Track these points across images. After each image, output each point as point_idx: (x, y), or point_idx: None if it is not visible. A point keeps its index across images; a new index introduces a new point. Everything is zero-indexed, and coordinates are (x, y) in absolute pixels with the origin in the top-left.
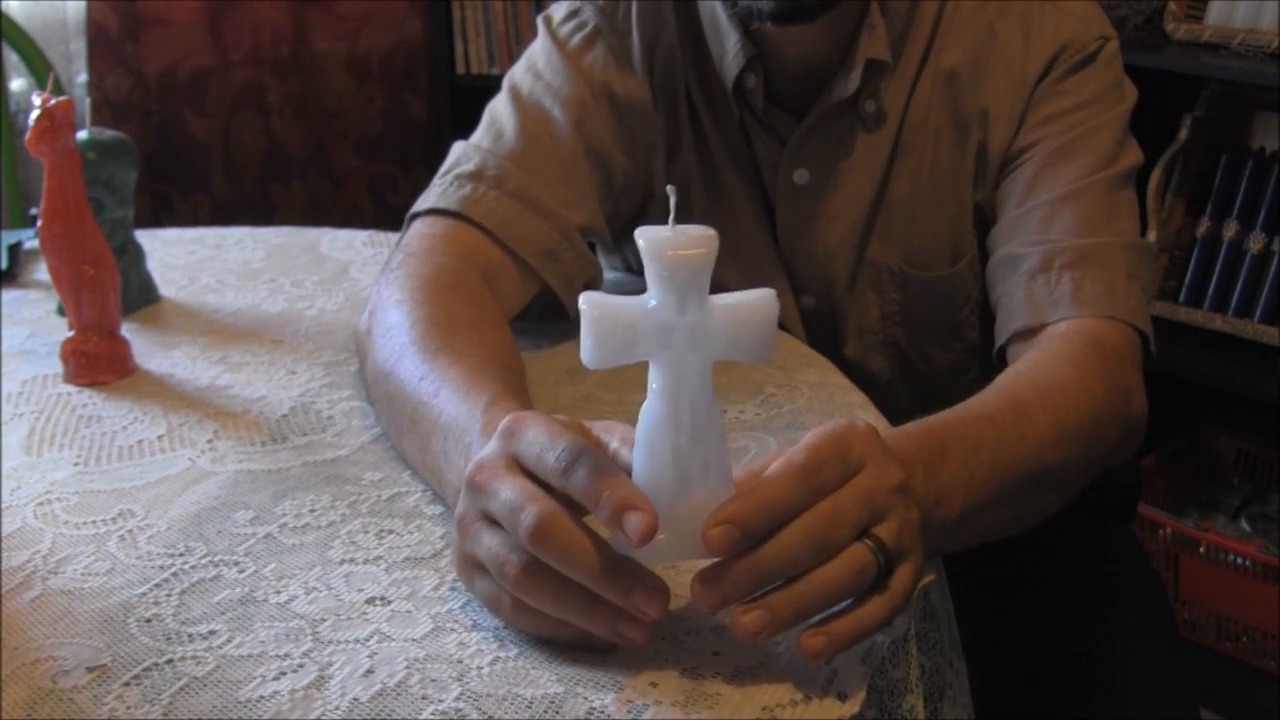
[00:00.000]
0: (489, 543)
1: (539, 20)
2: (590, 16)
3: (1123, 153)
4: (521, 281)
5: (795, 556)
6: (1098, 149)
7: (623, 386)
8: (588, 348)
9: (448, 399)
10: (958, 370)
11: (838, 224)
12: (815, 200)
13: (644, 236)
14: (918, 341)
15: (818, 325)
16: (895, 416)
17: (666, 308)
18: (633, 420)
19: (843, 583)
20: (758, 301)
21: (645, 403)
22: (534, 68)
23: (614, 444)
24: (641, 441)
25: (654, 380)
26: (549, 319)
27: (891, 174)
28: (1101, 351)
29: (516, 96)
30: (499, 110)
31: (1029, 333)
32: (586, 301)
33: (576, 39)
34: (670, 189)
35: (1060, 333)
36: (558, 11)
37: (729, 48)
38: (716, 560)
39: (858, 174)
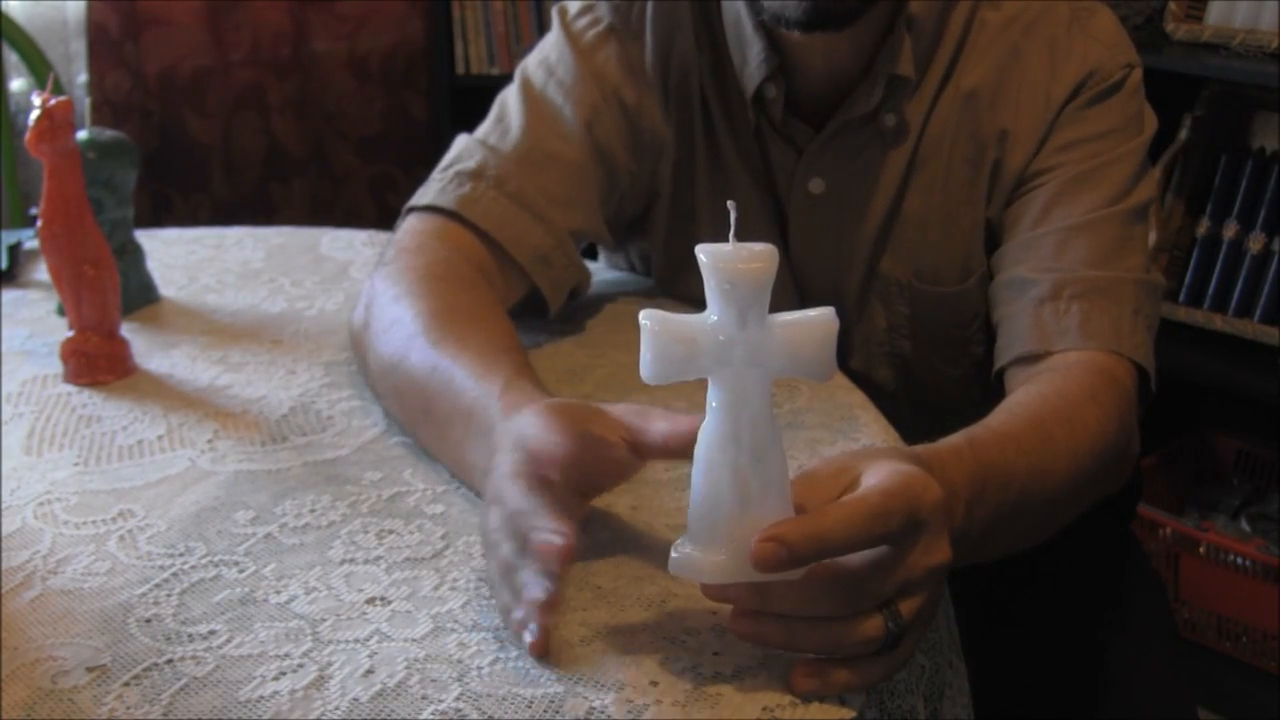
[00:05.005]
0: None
1: (554, 11)
2: (605, 14)
3: (1138, 187)
4: (510, 283)
5: (810, 602)
6: (1115, 181)
7: (622, 387)
8: (647, 363)
9: (462, 387)
10: (963, 385)
11: (851, 235)
12: (830, 210)
13: (705, 252)
14: (924, 355)
15: None
16: (897, 428)
17: (727, 323)
18: None
19: (846, 645)
20: (818, 318)
21: (705, 420)
22: (546, 61)
23: (663, 428)
24: (701, 459)
25: (713, 398)
26: (529, 315)
27: (907, 188)
28: (1117, 390)
29: (527, 90)
30: (508, 104)
31: (1032, 358)
32: (646, 316)
33: (590, 35)
34: (730, 204)
35: (1074, 363)
36: (573, 5)
37: (751, 56)
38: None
39: (874, 186)
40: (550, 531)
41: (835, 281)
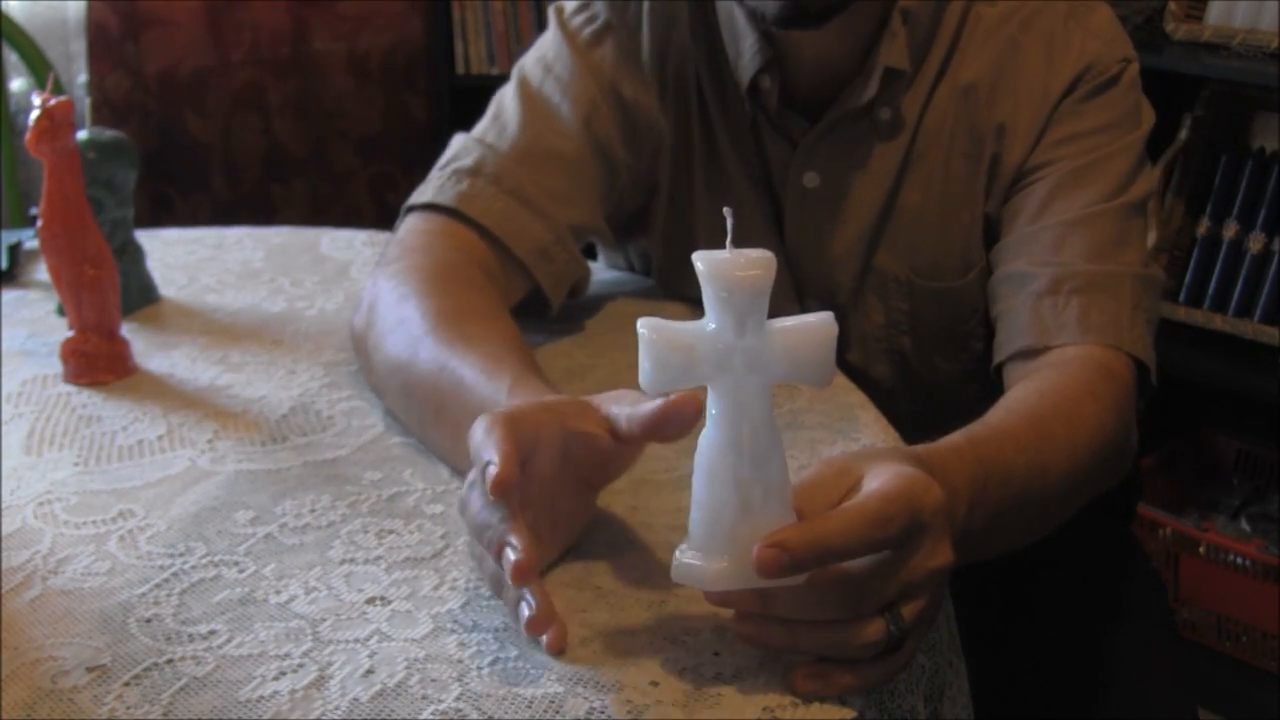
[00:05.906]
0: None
1: (551, 10)
2: (601, 11)
3: (1136, 181)
4: (512, 279)
5: (812, 606)
6: (1112, 175)
7: (620, 386)
8: (646, 371)
9: (472, 385)
10: (962, 380)
11: (846, 230)
12: (824, 204)
13: (702, 260)
14: (924, 351)
15: None
16: (895, 424)
17: (725, 330)
18: None
19: (848, 648)
20: (817, 323)
21: (704, 428)
22: (544, 59)
23: (625, 411)
24: (701, 467)
25: (713, 406)
26: (529, 315)
27: (903, 183)
28: (1115, 385)
29: (524, 88)
30: (505, 102)
31: (1031, 352)
32: (644, 325)
33: (587, 33)
34: (727, 211)
35: (1072, 358)
36: (569, 4)
37: (745, 49)
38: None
39: (868, 181)
40: (512, 549)
41: (830, 276)
